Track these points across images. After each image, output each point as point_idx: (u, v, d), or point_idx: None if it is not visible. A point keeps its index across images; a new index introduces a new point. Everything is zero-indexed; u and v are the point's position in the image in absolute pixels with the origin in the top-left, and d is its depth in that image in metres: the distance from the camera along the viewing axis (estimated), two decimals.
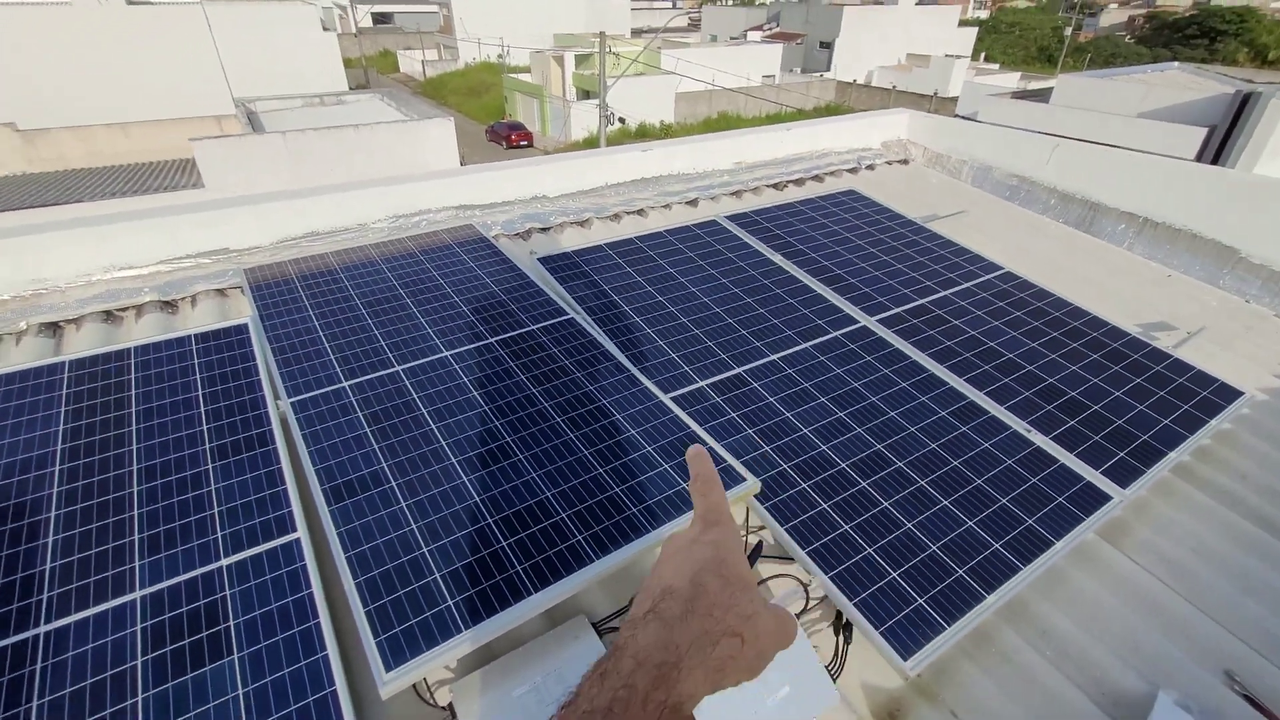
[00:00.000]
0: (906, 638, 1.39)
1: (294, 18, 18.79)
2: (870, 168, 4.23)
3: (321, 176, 10.19)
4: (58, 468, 1.53)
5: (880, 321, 2.40)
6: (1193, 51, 39.02)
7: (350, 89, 19.52)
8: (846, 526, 1.61)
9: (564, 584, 1.34)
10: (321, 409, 1.74)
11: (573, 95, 26.07)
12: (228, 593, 1.31)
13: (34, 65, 15.09)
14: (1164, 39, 42.16)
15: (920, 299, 2.56)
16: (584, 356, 2.01)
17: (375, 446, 1.64)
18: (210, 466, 1.56)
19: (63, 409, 1.69)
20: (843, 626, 1.47)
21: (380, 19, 47.87)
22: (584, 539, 1.44)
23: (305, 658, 1.22)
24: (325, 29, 19.92)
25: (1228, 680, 1.46)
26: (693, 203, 3.52)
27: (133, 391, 1.76)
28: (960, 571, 1.53)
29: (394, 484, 1.54)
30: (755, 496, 1.64)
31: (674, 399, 1.92)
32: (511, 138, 25.18)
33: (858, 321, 2.39)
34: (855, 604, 1.44)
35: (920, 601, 1.46)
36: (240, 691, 1.16)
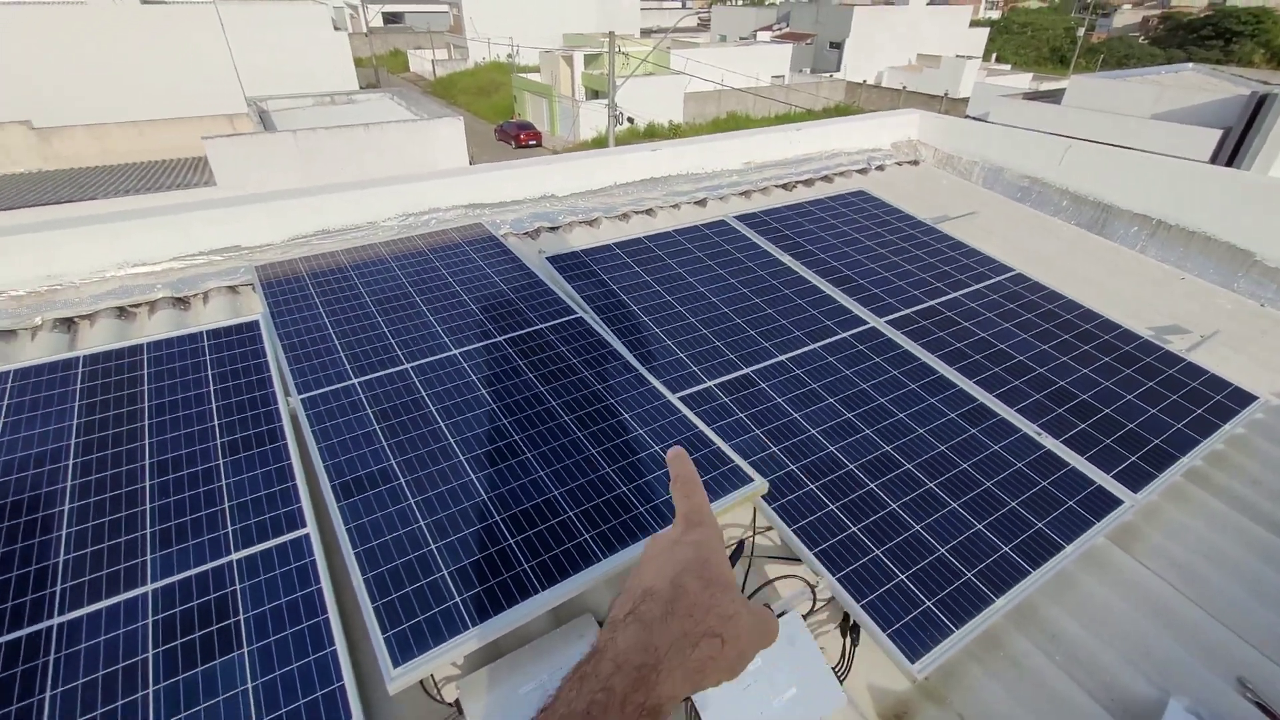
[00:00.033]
0: (914, 640, 1.38)
1: (305, 17, 18.89)
2: (880, 168, 4.21)
3: (332, 175, 10.25)
4: (71, 461, 1.55)
5: (889, 323, 2.39)
6: (1208, 52, 38.63)
7: (361, 88, 19.61)
8: (854, 528, 1.61)
9: (571, 582, 1.35)
10: (331, 406, 1.75)
11: (581, 95, 26.10)
12: (238, 587, 1.32)
13: (49, 64, 15.27)
14: (1178, 40, 41.76)
15: (930, 300, 2.54)
16: (592, 356, 2.01)
17: (384, 443, 1.64)
18: (221, 462, 1.57)
19: (76, 404, 1.71)
20: (850, 628, 1.47)
21: (391, 19, 48.11)
22: (591, 537, 1.44)
23: (314, 652, 1.23)
24: (336, 28, 20.01)
25: (1240, 687, 1.45)
26: (701, 203, 3.51)
27: (145, 387, 1.77)
28: (969, 574, 1.53)
29: (402, 481, 1.54)
30: (763, 497, 1.64)
31: (682, 399, 1.92)
32: (520, 137, 25.25)
33: (867, 322, 2.38)
34: (863, 606, 1.44)
35: (928, 604, 1.45)
36: (250, 685, 1.17)
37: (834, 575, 1.49)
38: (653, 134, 25.22)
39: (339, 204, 2.79)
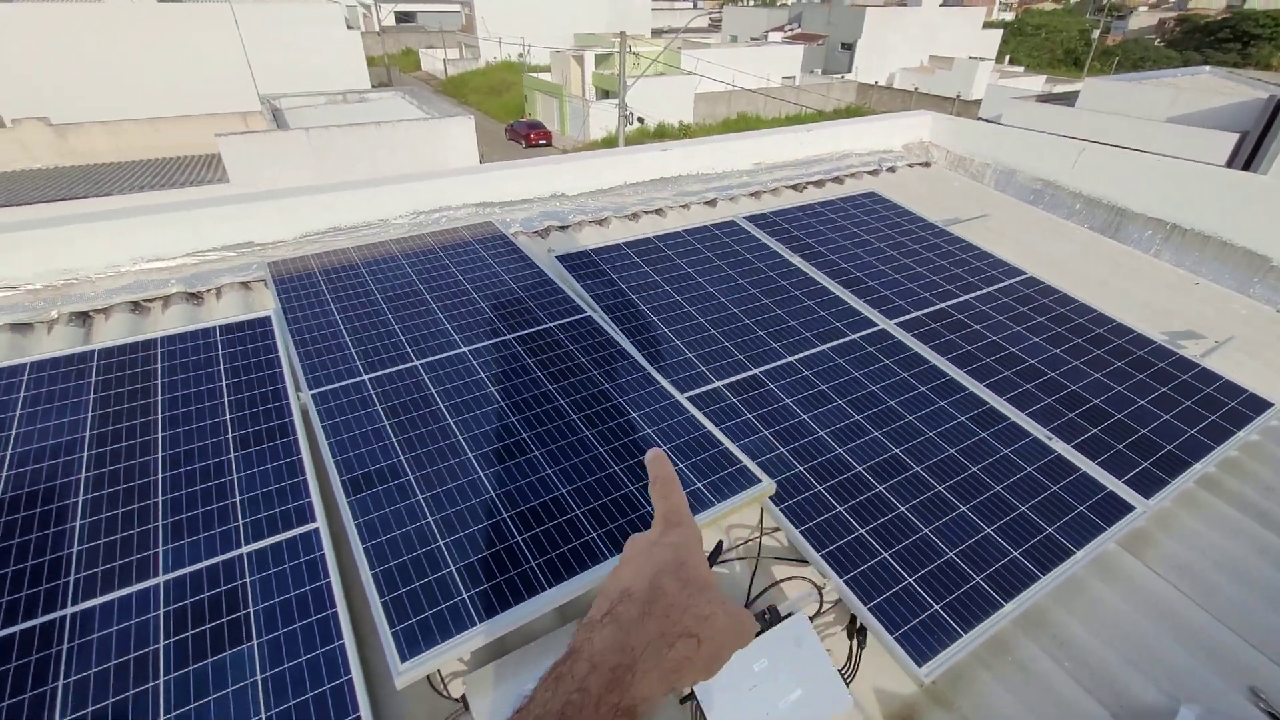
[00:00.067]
0: (921, 644, 1.38)
1: (319, 16, 19.04)
2: (891, 170, 4.20)
3: (344, 172, 10.32)
4: (86, 453, 1.57)
5: (899, 325, 2.38)
6: (1225, 55, 38.18)
7: (373, 87, 19.74)
8: (862, 530, 1.60)
9: (578, 580, 1.35)
10: (341, 401, 1.76)
11: (592, 95, 26.14)
12: (248, 580, 1.33)
13: (67, 61, 15.46)
14: (1195, 42, 41.31)
15: (940, 303, 2.53)
16: (601, 355, 2.01)
17: (393, 440, 1.65)
18: (233, 455, 1.59)
19: (91, 396, 1.73)
20: (857, 631, 1.46)
21: (403, 17, 48.35)
22: (598, 535, 1.44)
23: (322, 646, 1.23)
24: (349, 27, 20.16)
25: (1252, 697, 1.43)
26: (711, 203, 3.51)
27: (159, 380, 1.79)
28: (978, 579, 1.52)
29: (411, 477, 1.55)
30: (771, 498, 1.63)
31: (690, 398, 1.92)
32: (530, 136, 25.32)
33: (876, 324, 2.37)
34: (870, 608, 1.43)
35: (936, 608, 1.45)
36: (259, 677, 1.18)
37: (841, 577, 1.49)
38: (663, 134, 25.23)
39: (351, 201, 2.80)
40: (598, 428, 1.74)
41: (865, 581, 1.49)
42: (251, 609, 1.28)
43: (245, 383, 1.81)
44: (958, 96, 26.31)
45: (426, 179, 2.98)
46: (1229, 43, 39.78)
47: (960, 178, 4.26)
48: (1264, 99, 9.81)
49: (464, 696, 1.27)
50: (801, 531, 1.58)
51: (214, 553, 1.37)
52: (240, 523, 1.44)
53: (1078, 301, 2.60)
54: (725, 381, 2.03)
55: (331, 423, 1.69)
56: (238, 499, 1.49)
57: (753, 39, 36.91)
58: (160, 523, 1.43)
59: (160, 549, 1.37)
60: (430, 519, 1.45)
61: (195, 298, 2.43)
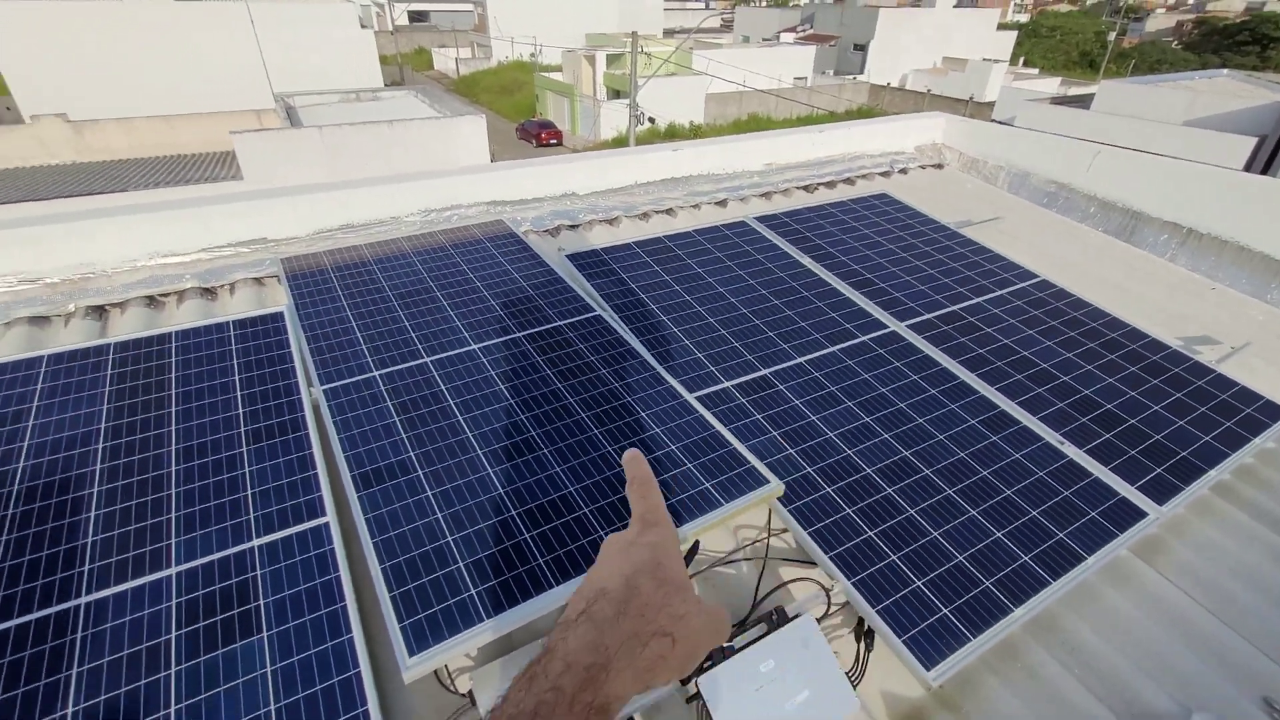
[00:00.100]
0: (930, 647, 1.37)
1: (333, 15, 19.18)
2: (903, 171, 4.17)
3: (357, 170, 10.38)
4: (100, 445, 1.59)
5: (910, 327, 2.36)
6: (1243, 59, 37.70)
7: (385, 85, 19.85)
8: (871, 533, 1.59)
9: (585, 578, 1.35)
10: (352, 397, 1.77)
11: (603, 95, 26.17)
12: (259, 573, 1.34)
13: (85, 59, 15.65)
14: (1213, 45, 40.82)
15: (952, 305, 2.51)
16: (610, 354, 2.01)
17: (403, 436, 1.66)
18: (245, 449, 1.60)
19: (107, 389, 1.75)
20: (865, 633, 1.46)
21: (416, 17, 48.60)
22: (607, 534, 1.44)
23: (331, 639, 1.24)
24: (363, 26, 20.29)
25: (1266, 707, 1.41)
26: (722, 203, 3.50)
27: (173, 374, 1.81)
28: (987, 583, 1.51)
29: (420, 473, 1.56)
30: (779, 499, 1.63)
31: (699, 398, 1.92)
32: (541, 136, 25.38)
33: (887, 326, 2.36)
34: (878, 611, 1.43)
35: (945, 611, 1.44)
36: (268, 669, 1.19)
37: (850, 579, 1.48)
38: (673, 134, 25.22)
39: (363, 199, 2.82)
40: (606, 426, 1.74)
41: (874, 584, 1.48)
42: (262, 601, 1.29)
43: (258, 377, 1.83)
44: (971, 99, 26.13)
45: (438, 177, 2.99)
46: (1248, 45, 39.28)
47: (973, 180, 4.23)
48: None
49: (471, 692, 1.28)
50: (810, 533, 1.58)
51: (225, 545, 1.39)
52: (251, 516, 1.45)
53: (1092, 305, 2.58)
54: (734, 382, 2.03)
55: (342, 418, 1.70)
56: (249, 492, 1.50)
57: (765, 39, 36.83)
58: (173, 515, 1.44)
59: (172, 541, 1.39)
60: (439, 515, 1.46)
61: (209, 293, 2.45)
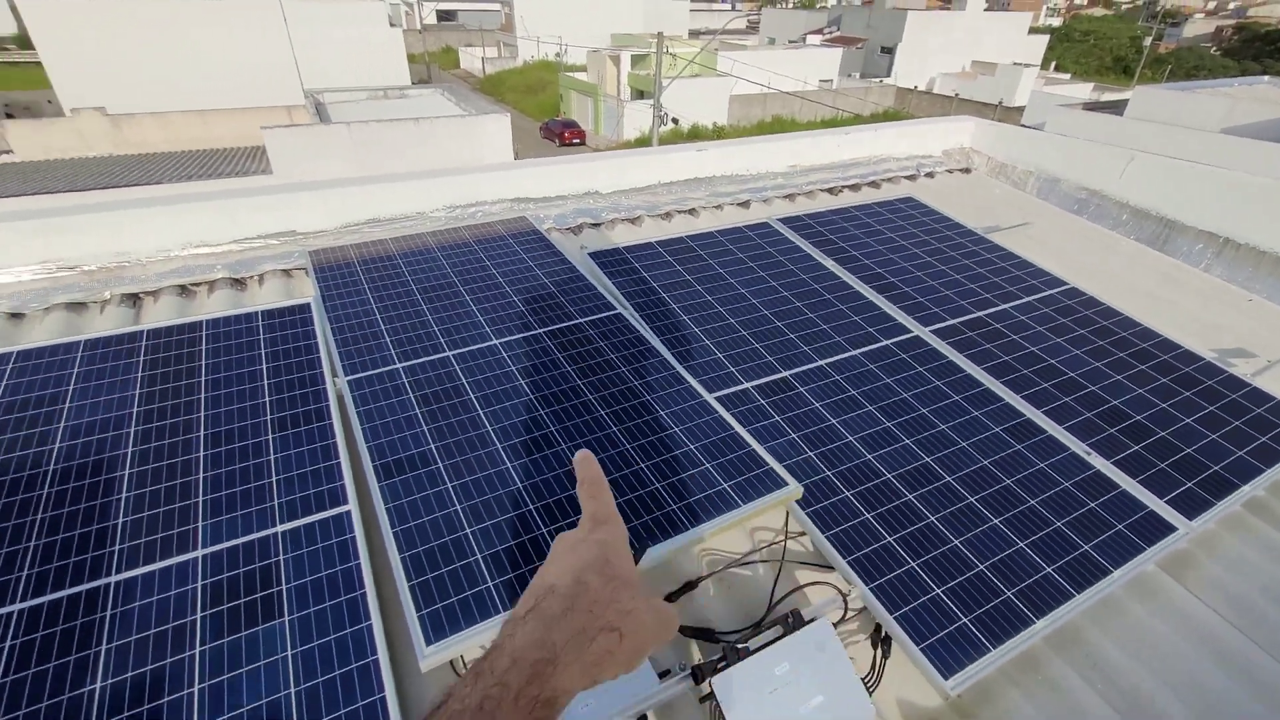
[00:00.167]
0: (948, 656, 1.35)
1: (364, 14, 19.46)
2: (930, 175, 4.12)
3: (383, 166, 10.52)
4: (133, 429, 1.63)
5: (934, 332, 2.33)
6: None
7: (413, 83, 20.08)
8: (890, 538, 1.58)
9: None
10: (376, 388, 1.80)
11: (627, 95, 26.21)
12: (282, 558, 1.37)
13: (123, 54, 16.06)
14: (1254, 51, 39.71)
15: (977, 311, 2.48)
16: (630, 352, 2.02)
17: (425, 428, 1.68)
18: (271, 437, 1.63)
19: (139, 375, 1.79)
20: (881, 640, 1.44)
21: (444, 16, 49.11)
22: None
23: (350, 625, 1.26)
24: (392, 25, 20.56)
25: None
26: (745, 204, 3.49)
27: (203, 362, 1.85)
28: (1009, 593, 1.48)
29: (441, 465, 1.58)
30: (797, 502, 1.62)
31: (718, 399, 1.92)
32: (565, 135, 25.49)
33: (910, 331, 2.33)
34: (896, 617, 1.41)
35: (964, 620, 1.42)
36: (289, 653, 1.21)
37: (867, 585, 1.47)
38: (696, 135, 25.18)
39: (390, 194, 2.86)
40: (625, 424, 1.74)
41: (892, 590, 1.46)
42: (284, 586, 1.32)
43: (284, 367, 1.86)
44: (1000, 103, 25.72)
45: (463, 174, 3.02)
46: None
47: (1002, 185, 4.16)
48: None
49: None
50: (828, 537, 1.57)
51: (250, 530, 1.41)
52: (276, 502, 1.48)
53: (1122, 314, 2.52)
54: (754, 383, 2.02)
55: (365, 409, 1.72)
56: (274, 479, 1.53)
57: (791, 41, 36.61)
58: (200, 499, 1.47)
59: (199, 524, 1.42)
60: (458, 507, 1.47)
61: (239, 283, 2.50)
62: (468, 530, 1.42)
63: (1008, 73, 27.82)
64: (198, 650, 1.20)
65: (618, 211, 3.17)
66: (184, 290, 2.43)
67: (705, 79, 25.53)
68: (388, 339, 2.00)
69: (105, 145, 13.26)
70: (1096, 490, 1.77)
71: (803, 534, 1.68)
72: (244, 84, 17.10)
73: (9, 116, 14.82)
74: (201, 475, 1.52)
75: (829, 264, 2.68)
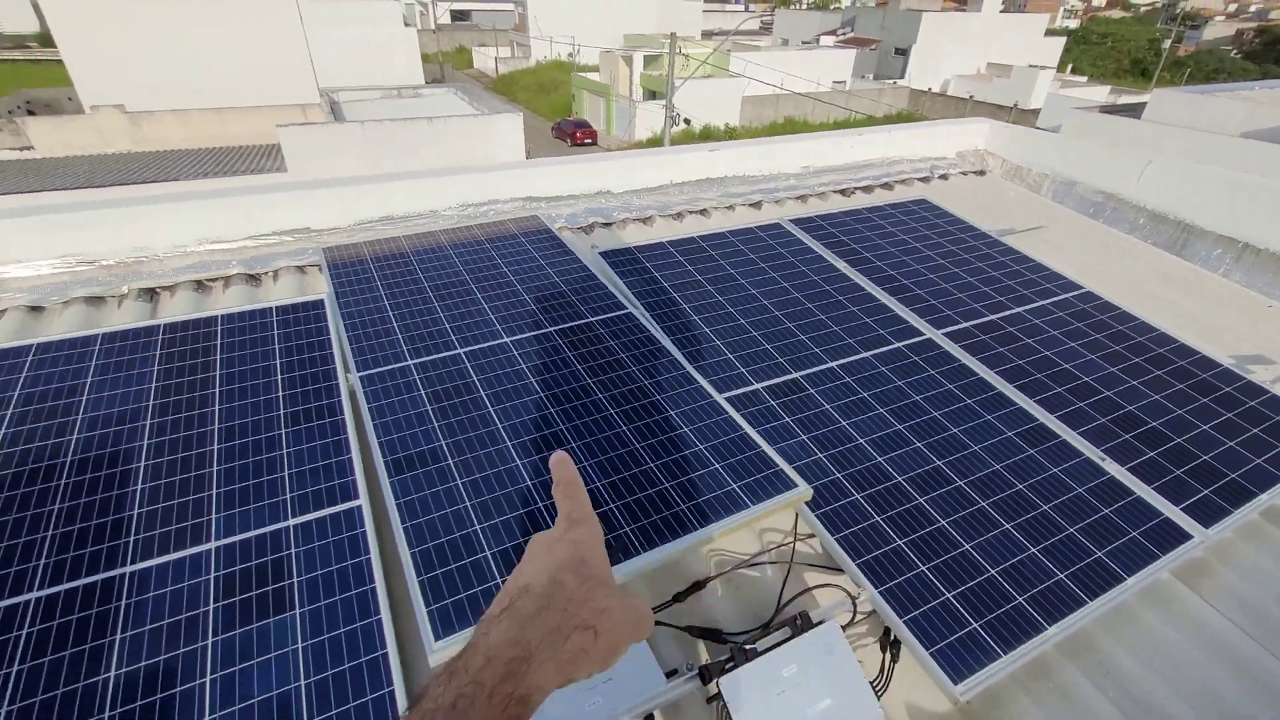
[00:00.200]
0: (958, 661, 1.34)
1: (378, 14, 19.59)
2: (944, 177, 4.09)
3: (397, 164, 10.59)
4: (149, 421, 1.65)
5: (946, 335, 2.32)
6: None
7: (426, 83, 20.20)
8: (900, 541, 1.57)
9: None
10: (387, 384, 1.81)
11: (639, 95, 26.22)
12: (293, 551, 1.38)
13: (142, 52, 16.26)
14: (1275, 54, 39.13)
15: (991, 314, 2.46)
16: (640, 351, 2.02)
17: (435, 424, 1.69)
18: (283, 431, 1.65)
19: (156, 368, 1.81)
20: (890, 643, 1.43)
21: (458, 16, 49.36)
22: (631, 531, 1.45)
23: (360, 619, 1.27)
24: (406, 24, 20.68)
25: None
26: (757, 205, 3.48)
27: (217, 356, 1.87)
28: (1020, 599, 1.47)
29: (451, 461, 1.58)
30: (806, 504, 1.61)
31: (728, 399, 1.91)
32: (576, 135, 25.53)
33: (922, 333, 2.31)
34: (905, 621, 1.40)
35: (975, 625, 1.41)
36: (299, 645, 1.22)
37: (877, 588, 1.46)
38: (708, 136, 25.14)
39: (403, 192, 2.88)
40: (635, 424, 1.74)
41: (901, 594, 1.45)
42: (295, 579, 1.33)
43: (297, 362, 1.88)
44: (1015, 105, 25.49)
45: (476, 172, 3.04)
46: None
47: (1016, 187, 4.13)
48: None
49: None
50: (837, 539, 1.56)
51: (262, 523, 1.43)
52: (288, 496, 1.49)
53: (1138, 319, 2.49)
54: (765, 384, 2.02)
55: (377, 404, 1.73)
56: (286, 473, 1.54)
57: (804, 43, 36.48)
58: (214, 491, 1.49)
59: (213, 516, 1.43)
60: (468, 503, 1.48)
61: (254, 279, 2.53)
62: (477, 527, 1.43)
63: (1023, 75, 27.58)
64: (210, 641, 1.21)
65: (629, 211, 3.18)
66: (200, 285, 2.46)
67: (718, 80, 25.49)
68: (400, 336, 2.01)
69: (124, 142, 13.44)
70: (1111, 496, 1.75)
71: (812, 536, 1.67)
72: (260, 83, 17.27)
73: (31, 113, 15.05)
74: (215, 468, 1.54)
75: (841, 265, 2.67)
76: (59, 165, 12.04)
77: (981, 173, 4.27)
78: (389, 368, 1.88)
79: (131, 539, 1.38)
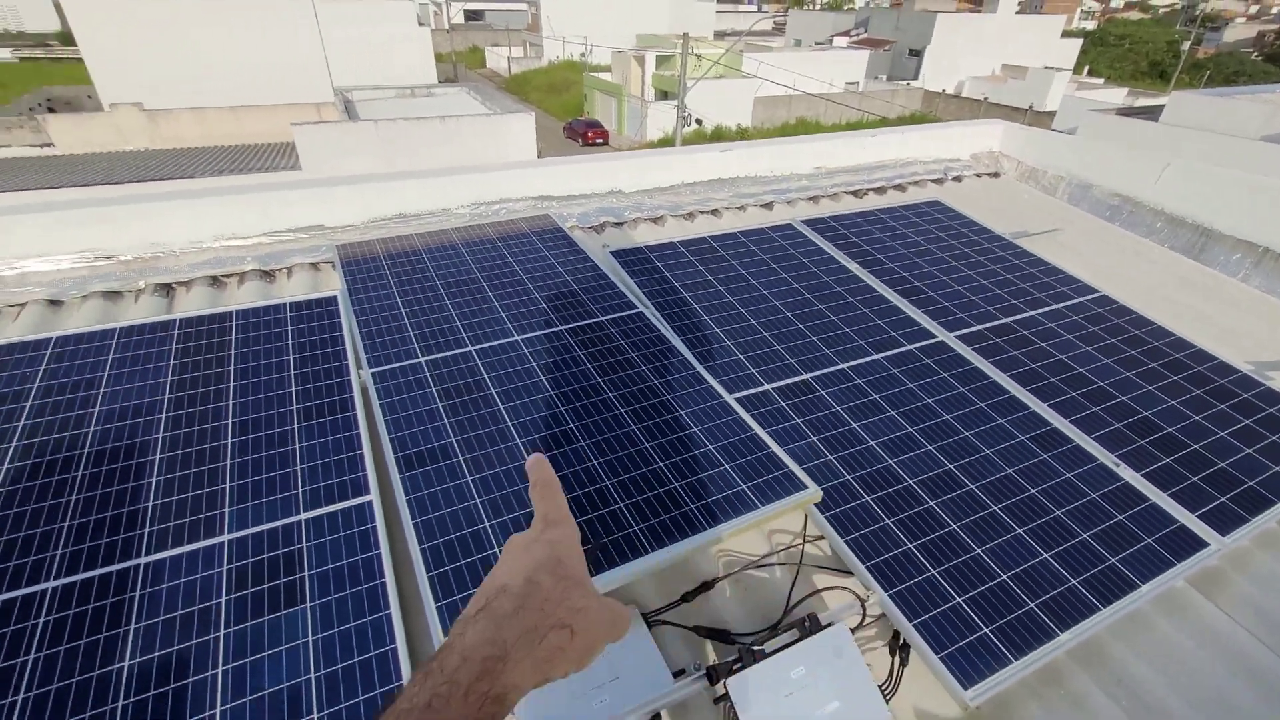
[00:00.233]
0: (969, 666, 1.33)
1: (392, 13, 19.72)
2: (957, 179, 4.06)
3: (409, 163, 10.65)
4: (164, 415, 1.67)
5: (959, 338, 2.30)
6: None
7: (439, 82, 20.30)
8: (910, 545, 1.56)
9: (617, 572, 1.36)
10: (399, 381, 1.82)
11: (651, 95, 26.22)
12: (304, 545, 1.39)
13: (161, 51, 16.46)
14: None
15: (1004, 317, 2.44)
16: (650, 351, 2.02)
17: (446, 421, 1.70)
18: (296, 426, 1.66)
19: (171, 362, 1.83)
20: (900, 647, 1.42)
21: (471, 16, 49.57)
22: (640, 530, 1.45)
23: (370, 614, 1.28)
24: (420, 24, 20.80)
25: None
26: (768, 206, 3.47)
27: (232, 351, 1.89)
28: (1031, 604, 1.45)
29: (461, 458, 1.59)
30: (816, 505, 1.61)
31: (738, 400, 1.91)
32: (588, 135, 25.58)
33: (935, 336, 2.30)
34: (915, 625, 1.39)
35: (985, 631, 1.40)
36: (310, 638, 1.23)
37: (886, 591, 1.45)
38: (720, 136, 25.10)
39: (416, 190, 2.89)
40: (644, 423, 1.74)
41: (911, 597, 1.44)
42: (306, 573, 1.34)
43: (310, 358, 1.89)
44: (1030, 107, 25.27)
45: (488, 171, 3.05)
46: None
47: (1031, 190, 4.09)
48: None
49: None
50: (847, 541, 1.55)
51: (275, 517, 1.44)
52: (300, 491, 1.50)
53: (1155, 324, 2.46)
54: (775, 385, 2.01)
55: (388, 401, 1.74)
56: (298, 468, 1.56)
57: (817, 43, 36.34)
58: (227, 485, 1.50)
59: (226, 510, 1.45)
60: (478, 500, 1.49)
61: (268, 275, 2.55)
62: (487, 524, 1.43)
63: (1039, 76, 27.33)
64: (223, 633, 1.23)
65: (640, 211, 3.18)
66: (215, 281, 2.48)
67: (730, 80, 25.44)
68: (411, 333, 2.02)
69: (142, 140, 13.61)
70: (1125, 503, 1.73)
71: (821, 538, 1.67)
72: (276, 81, 17.43)
73: (51, 111, 15.29)
74: (228, 462, 1.55)
75: (852, 266, 2.65)
76: (78, 162, 12.21)
77: (996, 175, 4.23)
78: (401, 364, 1.89)
79: (146, 531, 1.40)
